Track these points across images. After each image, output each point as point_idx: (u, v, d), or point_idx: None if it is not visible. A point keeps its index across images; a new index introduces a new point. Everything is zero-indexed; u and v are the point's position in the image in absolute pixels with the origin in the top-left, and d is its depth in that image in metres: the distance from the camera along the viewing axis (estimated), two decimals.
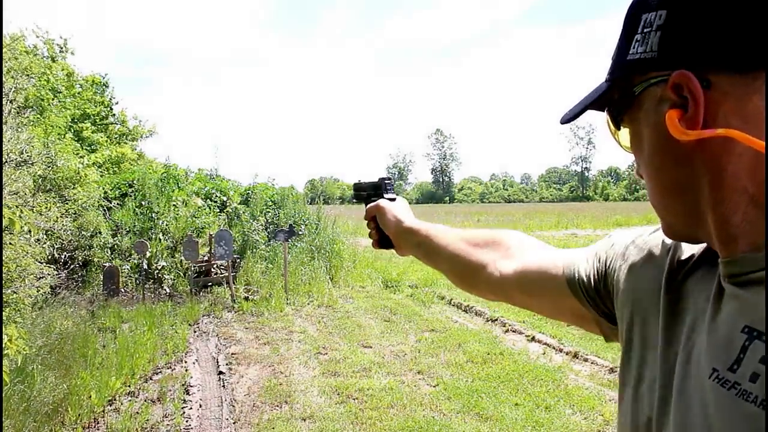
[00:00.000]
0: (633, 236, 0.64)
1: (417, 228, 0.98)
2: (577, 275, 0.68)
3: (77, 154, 9.36)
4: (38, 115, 9.75)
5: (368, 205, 1.11)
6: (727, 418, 0.40)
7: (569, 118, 0.57)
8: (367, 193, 1.15)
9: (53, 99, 11.90)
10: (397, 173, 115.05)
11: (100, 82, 14.95)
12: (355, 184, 1.21)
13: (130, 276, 8.13)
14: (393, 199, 1.08)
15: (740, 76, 0.42)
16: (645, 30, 0.47)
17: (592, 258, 0.68)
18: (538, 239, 0.86)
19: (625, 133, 0.53)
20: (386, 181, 1.12)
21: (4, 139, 4.19)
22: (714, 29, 0.42)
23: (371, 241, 1.11)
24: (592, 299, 0.66)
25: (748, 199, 0.43)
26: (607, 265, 0.65)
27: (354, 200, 1.22)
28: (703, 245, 0.53)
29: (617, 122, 0.54)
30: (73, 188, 7.31)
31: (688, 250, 0.55)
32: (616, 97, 0.52)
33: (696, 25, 0.43)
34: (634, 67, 0.48)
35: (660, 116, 0.46)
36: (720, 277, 0.47)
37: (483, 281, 0.84)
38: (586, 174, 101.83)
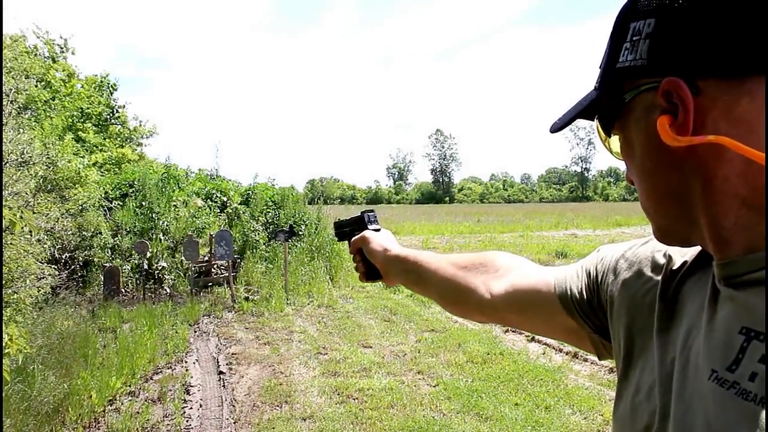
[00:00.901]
0: (622, 250, 0.64)
1: (404, 255, 0.97)
2: (569, 291, 0.68)
3: (77, 154, 9.37)
4: (34, 118, 9.75)
5: (353, 238, 1.09)
6: (726, 416, 0.41)
7: (558, 127, 0.58)
8: (350, 228, 1.13)
9: (52, 100, 11.90)
10: (397, 173, 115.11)
11: (109, 84, 14.92)
12: (335, 223, 1.19)
13: (131, 276, 8.14)
14: (378, 230, 1.07)
15: (729, 82, 0.43)
16: (634, 38, 0.47)
17: (582, 273, 0.68)
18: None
19: (615, 140, 0.54)
20: (369, 213, 1.11)
21: (4, 140, 4.19)
22: (702, 36, 0.43)
23: (358, 275, 1.10)
24: (586, 315, 0.66)
25: (740, 202, 0.44)
26: (599, 279, 0.65)
27: (336, 239, 1.19)
28: (695, 251, 0.54)
29: (607, 129, 0.54)
30: (74, 188, 7.32)
31: (680, 257, 0.56)
32: (606, 105, 0.52)
33: (685, 32, 0.44)
34: (624, 74, 0.49)
35: (651, 123, 0.47)
36: (714, 279, 0.48)
37: (474, 304, 0.84)
38: (586, 174, 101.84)
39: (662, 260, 0.57)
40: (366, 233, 1.06)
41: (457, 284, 0.86)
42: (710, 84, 0.43)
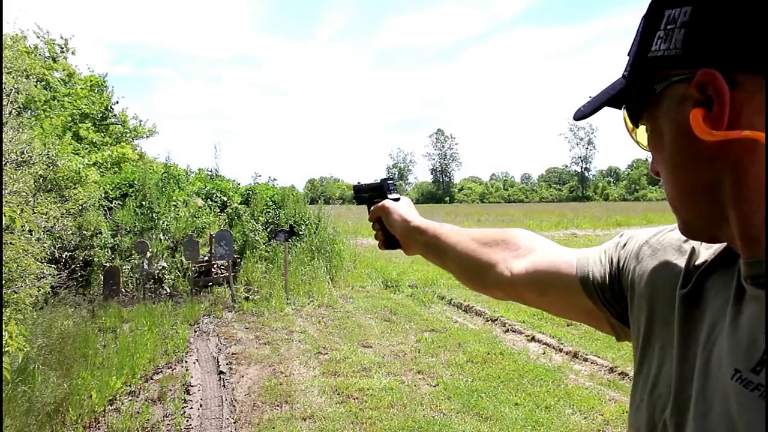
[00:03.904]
0: (646, 236, 0.63)
1: (425, 227, 0.97)
2: (591, 275, 0.67)
3: (77, 153, 9.37)
4: (34, 117, 9.75)
5: (372, 207, 1.10)
6: (750, 419, 0.40)
7: (584, 115, 0.56)
8: (369, 194, 1.14)
9: (52, 99, 11.89)
10: (397, 173, 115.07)
11: (99, 83, 14.95)
12: (355, 186, 1.19)
13: (131, 276, 8.13)
14: (397, 199, 1.07)
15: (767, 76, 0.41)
16: (668, 27, 0.46)
17: (604, 258, 0.67)
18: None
19: (642, 131, 0.53)
20: (389, 182, 1.11)
21: (4, 140, 4.19)
22: (741, 27, 0.41)
23: (377, 242, 1.10)
24: (606, 300, 0.66)
25: None
26: (621, 266, 0.64)
27: (355, 202, 1.20)
28: (720, 246, 0.53)
29: (635, 120, 0.53)
30: (74, 188, 7.32)
31: (704, 250, 0.54)
32: (635, 95, 0.51)
33: (723, 23, 0.42)
34: (656, 64, 0.47)
35: (682, 115, 0.45)
36: (740, 278, 0.46)
37: (493, 280, 0.83)
38: (586, 174, 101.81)
39: (687, 250, 0.56)
40: (386, 203, 1.06)
41: (476, 259, 0.86)
42: (748, 77, 0.42)
